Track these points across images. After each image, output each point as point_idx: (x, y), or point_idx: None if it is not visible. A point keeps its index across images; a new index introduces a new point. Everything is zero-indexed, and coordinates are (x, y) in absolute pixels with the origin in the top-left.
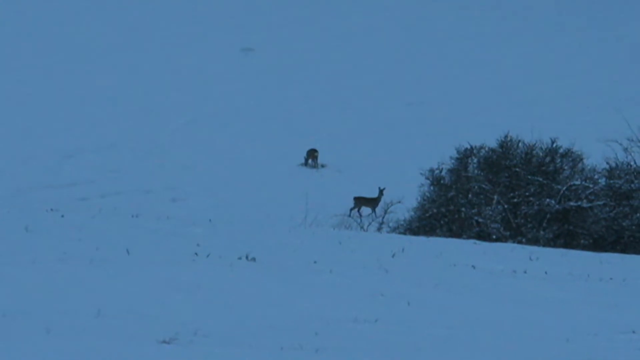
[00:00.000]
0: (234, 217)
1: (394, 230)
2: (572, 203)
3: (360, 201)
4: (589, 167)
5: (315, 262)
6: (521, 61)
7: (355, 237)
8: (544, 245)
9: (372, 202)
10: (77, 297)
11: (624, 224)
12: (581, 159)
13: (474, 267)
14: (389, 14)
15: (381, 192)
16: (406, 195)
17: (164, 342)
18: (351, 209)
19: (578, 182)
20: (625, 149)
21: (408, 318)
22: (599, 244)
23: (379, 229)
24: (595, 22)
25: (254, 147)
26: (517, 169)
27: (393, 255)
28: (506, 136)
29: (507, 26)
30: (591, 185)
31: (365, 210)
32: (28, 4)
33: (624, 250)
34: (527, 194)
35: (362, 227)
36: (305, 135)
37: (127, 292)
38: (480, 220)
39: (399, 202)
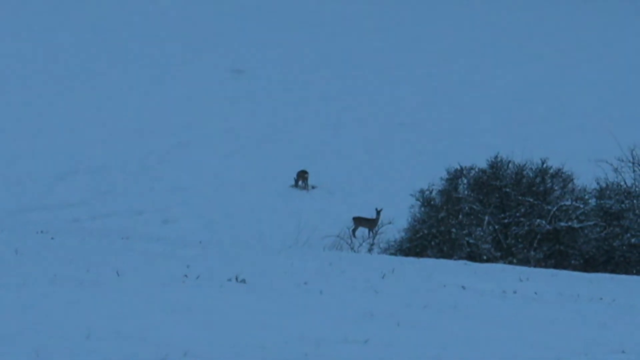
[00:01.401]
0: (225, 239)
1: (384, 251)
2: (562, 223)
3: (359, 221)
4: (579, 188)
5: (305, 283)
6: (512, 82)
7: (345, 258)
8: (534, 266)
9: (371, 223)
10: (67, 320)
11: (614, 244)
12: (571, 179)
13: (463, 287)
14: (380, 36)
15: (378, 212)
16: (397, 216)
17: None
18: (353, 230)
19: (568, 203)
20: (616, 169)
21: (398, 338)
22: (589, 264)
23: (370, 250)
24: (585, 43)
25: (245, 168)
26: (508, 190)
27: (383, 276)
28: (496, 157)
29: (498, 47)
30: (582, 206)
31: (361, 230)
32: (17, 26)
33: (615, 270)
34: (517, 214)
35: (352, 248)
36: (295, 156)
37: (117, 314)
38: (470, 241)
39: (390, 223)
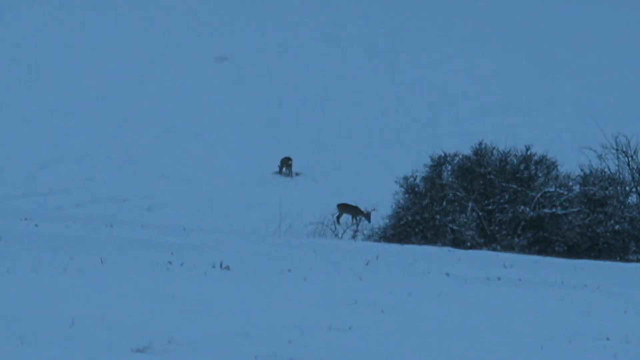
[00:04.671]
0: (209, 226)
1: (368, 238)
2: (546, 210)
3: (343, 208)
4: (563, 174)
5: (289, 270)
6: (495, 68)
7: (329, 245)
8: (518, 253)
9: (356, 210)
10: (51, 307)
11: (598, 230)
12: (555, 166)
13: (447, 274)
14: (364, 23)
15: (369, 213)
16: (381, 203)
17: (138, 350)
18: (337, 217)
19: (552, 189)
20: (600, 156)
21: (382, 326)
22: (573, 251)
23: (354, 237)
24: (569, 30)
25: (229, 155)
26: (492, 176)
27: (367, 263)
28: (480, 143)
29: (482, 34)
30: (565, 192)
31: (345, 217)
32: (0, 11)
33: (598, 256)
34: (501, 201)
35: (336, 235)
36: (279, 143)
37: (101, 301)
38: (454, 227)
39: (374, 209)
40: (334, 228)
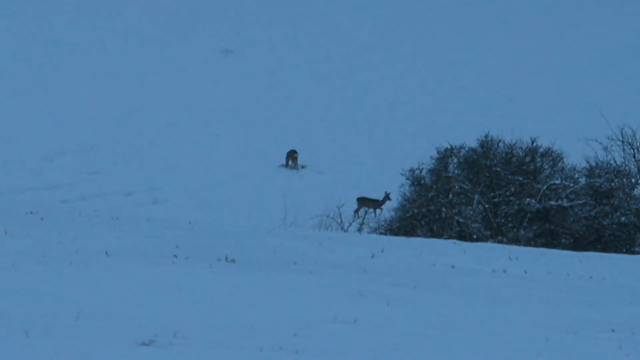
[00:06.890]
0: (214, 219)
1: (374, 230)
2: (552, 202)
3: (363, 201)
4: (569, 166)
5: (295, 263)
6: (501, 60)
7: (335, 237)
8: (524, 245)
9: (375, 203)
10: (56, 300)
11: (604, 222)
12: (561, 158)
13: (453, 266)
14: (369, 15)
15: (387, 196)
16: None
17: (143, 344)
18: (355, 210)
19: (558, 181)
20: (605, 148)
21: (387, 318)
22: (579, 243)
23: (360, 230)
24: (574, 21)
25: (234, 148)
26: (498, 169)
27: (372, 256)
28: (486, 136)
29: (486, 26)
30: (571, 184)
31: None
32: (5, 4)
33: (604, 249)
34: (507, 193)
35: (342, 228)
36: (285, 136)
37: (107, 294)
38: (460, 220)
39: (389, 194)
40: (340, 220)
